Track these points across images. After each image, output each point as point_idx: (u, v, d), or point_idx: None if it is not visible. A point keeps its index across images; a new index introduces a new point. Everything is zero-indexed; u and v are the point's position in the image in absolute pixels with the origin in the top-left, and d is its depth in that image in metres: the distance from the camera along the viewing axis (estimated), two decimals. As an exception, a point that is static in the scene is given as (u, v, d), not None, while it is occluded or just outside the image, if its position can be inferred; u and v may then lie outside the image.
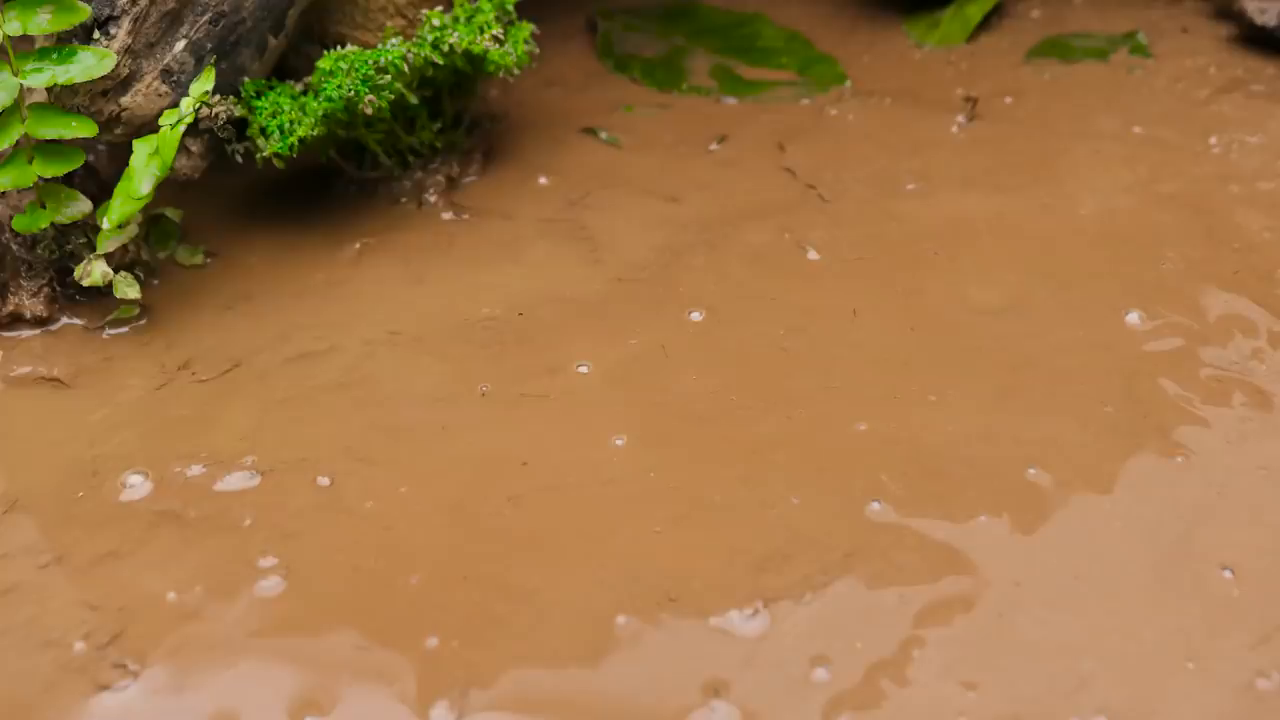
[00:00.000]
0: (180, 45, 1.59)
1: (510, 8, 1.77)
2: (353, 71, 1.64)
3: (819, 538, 1.26)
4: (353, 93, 1.63)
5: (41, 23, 1.50)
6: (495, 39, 1.72)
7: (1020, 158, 1.84)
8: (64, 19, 1.50)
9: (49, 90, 1.54)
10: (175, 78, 1.59)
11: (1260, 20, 2.03)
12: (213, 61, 1.60)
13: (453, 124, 1.84)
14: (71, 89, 1.55)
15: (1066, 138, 1.88)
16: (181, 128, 1.52)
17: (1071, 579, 1.21)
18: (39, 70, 1.51)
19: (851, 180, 1.81)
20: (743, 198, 1.79)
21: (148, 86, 1.58)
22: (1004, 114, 1.95)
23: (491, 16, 1.73)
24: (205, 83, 1.55)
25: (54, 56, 1.51)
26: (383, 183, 1.81)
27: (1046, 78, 2.03)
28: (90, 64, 1.51)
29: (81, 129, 1.52)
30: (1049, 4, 2.21)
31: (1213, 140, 1.85)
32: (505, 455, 1.39)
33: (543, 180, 1.84)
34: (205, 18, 1.60)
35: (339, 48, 1.68)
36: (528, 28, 1.78)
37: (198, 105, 1.55)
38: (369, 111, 1.65)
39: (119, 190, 1.52)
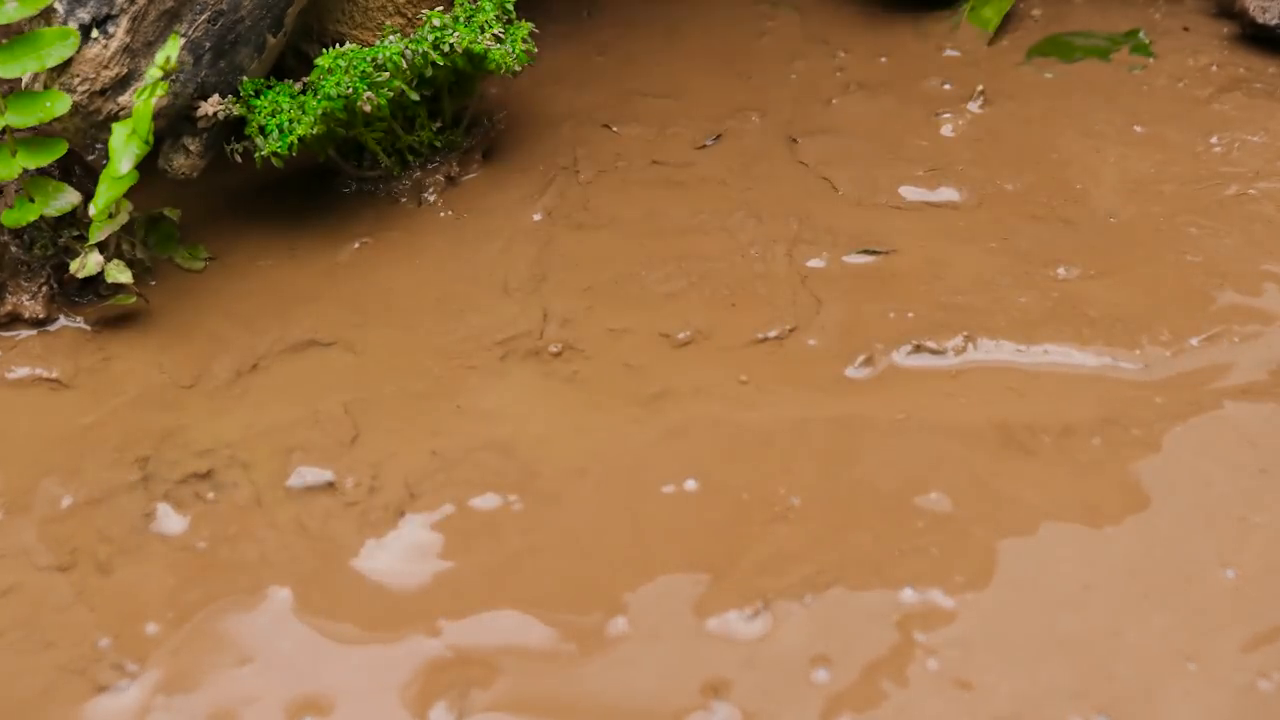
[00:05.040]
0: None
1: (510, 6, 1.76)
2: (351, 69, 1.63)
3: (819, 537, 1.26)
4: (351, 90, 1.63)
5: (9, 11, 1.50)
6: (496, 38, 1.72)
7: (1021, 156, 1.84)
8: (31, 4, 1.50)
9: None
10: (173, 76, 1.59)
11: (1262, 19, 2.03)
12: (181, 32, 1.58)
13: (452, 123, 1.84)
14: (69, 88, 1.54)
15: (1067, 137, 1.88)
16: (153, 100, 1.50)
17: (1072, 579, 1.21)
18: (13, 62, 1.51)
19: (850, 180, 1.81)
20: (744, 196, 1.78)
21: (146, 85, 1.58)
22: (1004, 113, 1.95)
23: (492, 16, 1.73)
24: (169, 49, 1.54)
25: (21, 46, 1.51)
26: (382, 182, 1.81)
27: (1047, 77, 2.03)
28: (57, 47, 1.51)
29: (56, 104, 1.52)
30: (1050, 3, 2.21)
31: (1214, 139, 1.85)
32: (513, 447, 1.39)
33: (543, 179, 1.83)
34: (204, 16, 1.60)
35: (338, 46, 1.68)
36: (527, 26, 1.77)
37: (164, 75, 1.53)
38: (367, 109, 1.65)
39: (103, 176, 1.52)
